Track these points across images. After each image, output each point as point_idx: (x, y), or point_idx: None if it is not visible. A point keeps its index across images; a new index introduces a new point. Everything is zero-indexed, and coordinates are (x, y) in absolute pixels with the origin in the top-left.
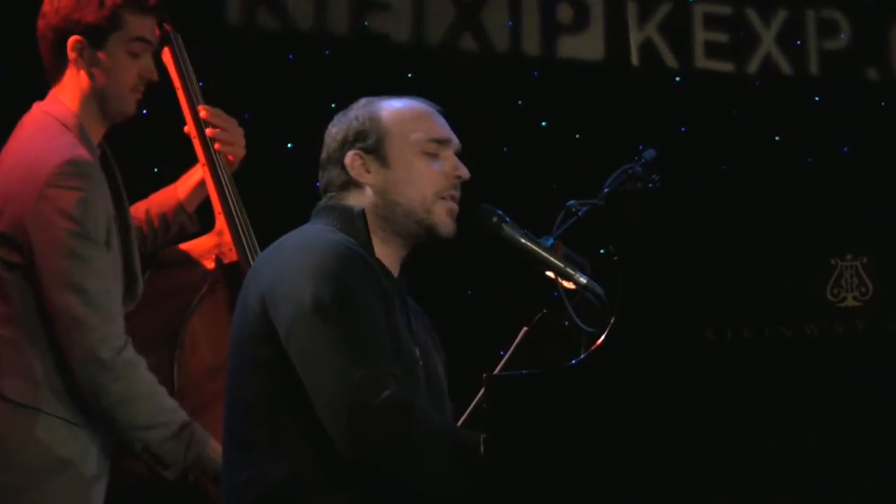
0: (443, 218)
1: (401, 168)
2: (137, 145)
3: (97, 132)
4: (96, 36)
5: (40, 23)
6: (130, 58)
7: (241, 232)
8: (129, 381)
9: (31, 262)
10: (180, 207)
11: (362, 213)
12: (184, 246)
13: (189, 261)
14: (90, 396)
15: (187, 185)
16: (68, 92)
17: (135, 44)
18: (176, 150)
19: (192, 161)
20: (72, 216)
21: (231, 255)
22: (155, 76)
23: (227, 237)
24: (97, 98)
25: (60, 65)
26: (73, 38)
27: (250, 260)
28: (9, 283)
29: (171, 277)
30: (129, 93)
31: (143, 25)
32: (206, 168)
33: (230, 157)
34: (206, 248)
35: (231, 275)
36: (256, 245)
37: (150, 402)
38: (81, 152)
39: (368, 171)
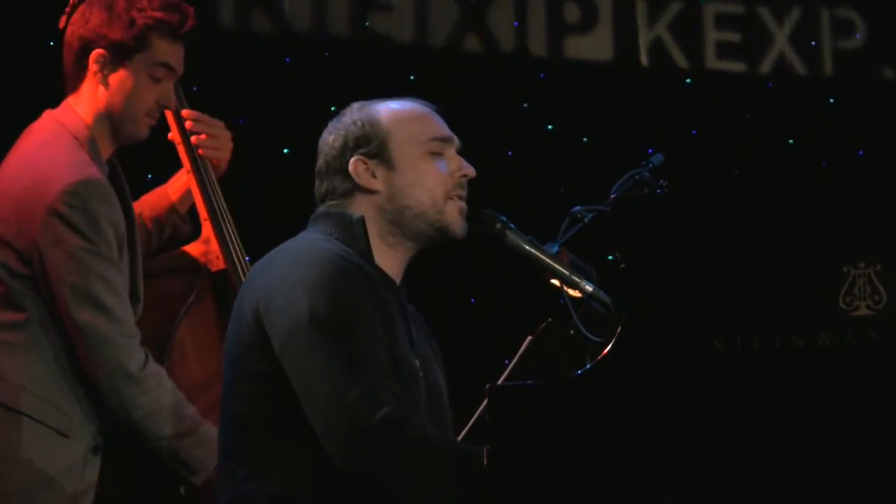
0: (455, 218)
1: (407, 170)
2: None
3: (107, 149)
4: (121, 53)
5: (68, 29)
6: (151, 81)
7: (228, 239)
8: (155, 393)
9: (44, 276)
10: (173, 209)
11: (361, 221)
12: (170, 254)
13: (176, 269)
14: (118, 410)
15: (179, 186)
16: (84, 104)
17: (158, 68)
18: (164, 157)
19: (179, 167)
20: (84, 234)
21: (218, 263)
22: (172, 105)
23: (215, 245)
24: (111, 116)
25: (80, 75)
26: (96, 51)
27: (238, 267)
28: (16, 291)
29: (158, 287)
30: (144, 116)
31: (170, 52)
32: (191, 175)
33: (215, 162)
34: (193, 256)
35: (219, 283)
36: (244, 252)
37: (175, 411)
38: (93, 171)
39: (374, 177)
